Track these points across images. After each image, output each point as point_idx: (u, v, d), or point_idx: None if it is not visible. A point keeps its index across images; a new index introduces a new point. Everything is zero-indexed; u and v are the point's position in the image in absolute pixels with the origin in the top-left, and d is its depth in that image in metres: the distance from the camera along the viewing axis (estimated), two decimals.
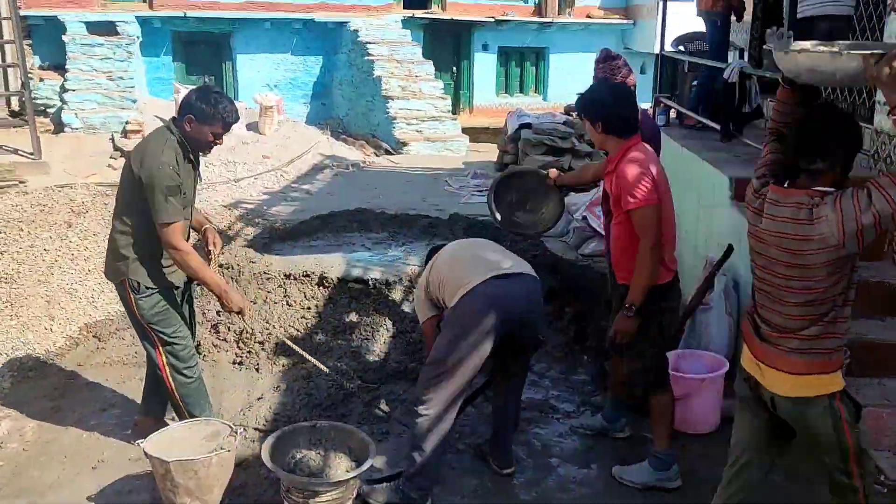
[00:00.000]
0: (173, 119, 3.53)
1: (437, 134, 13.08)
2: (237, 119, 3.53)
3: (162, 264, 3.58)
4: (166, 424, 3.65)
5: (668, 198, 3.43)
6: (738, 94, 5.28)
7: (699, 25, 7.13)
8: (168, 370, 3.64)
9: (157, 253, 3.54)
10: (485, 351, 3.25)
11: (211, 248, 3.74)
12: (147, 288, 3.53)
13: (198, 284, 3.87)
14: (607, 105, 3.40)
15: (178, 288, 3.69)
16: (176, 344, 3.63)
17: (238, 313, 3.61)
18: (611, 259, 3.65)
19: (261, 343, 4.92)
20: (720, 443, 3.99)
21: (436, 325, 3.51)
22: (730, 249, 4.47)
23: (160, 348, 3.62)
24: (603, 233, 7.07)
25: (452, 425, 3.34)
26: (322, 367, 4.02)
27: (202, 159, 3.76)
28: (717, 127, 5.76)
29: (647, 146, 3.50)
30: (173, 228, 3.38)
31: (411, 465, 3.27)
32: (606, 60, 4.36)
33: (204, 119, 3.42)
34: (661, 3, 7.27)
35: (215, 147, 3.56)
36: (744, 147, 5.66)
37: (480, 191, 9.71)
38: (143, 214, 3.44)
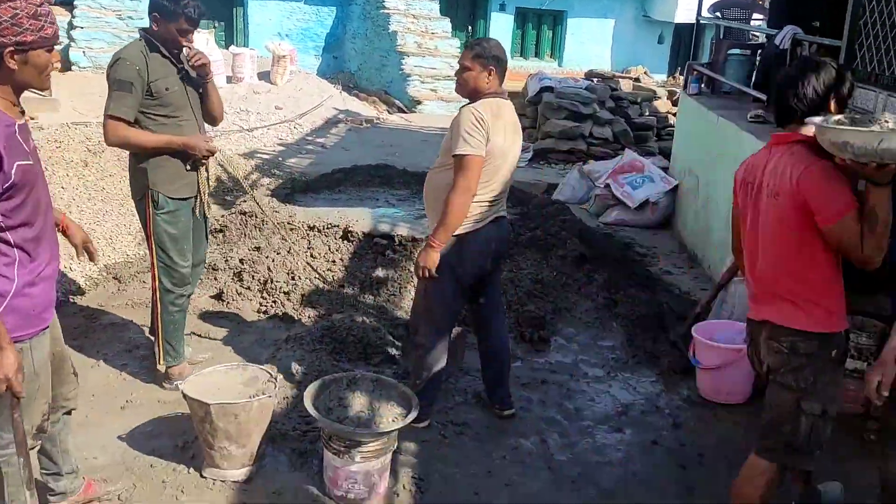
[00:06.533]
0: (143, 29, 3.60)
1: (452, 94, 12.85)
2: (200, 15, 3.53)
3: (179, 171, 3.64)
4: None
5: None
6: (790, 62, 5.15)
7: None
8: (160, 293, 3.75)
9: (173, 159, 3.61)
10: (467, 282, 3.49)
11: None
12: (168, 200, 3.61)
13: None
14: None
15: (189, 197, 3.73)
16: (174, 270, 3.73)
17: (211, 153, 3.68)
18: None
19: (286, 293, 4.85)
20: (753, 413, 3.99)
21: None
22: None
23: (157, 270, 3.73)
24: (625, 201, 7.05)
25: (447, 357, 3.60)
26: None
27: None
28: (759, 96, 5.62)
29: None
30: (115, 123, 3.43)
31: (412, 387, 3.44)
32: None
33: (167, 16, 3.46)
34: None
35: (186, 48, 3.55)
36: None
37: None
38: (144, 121, 3.51)
